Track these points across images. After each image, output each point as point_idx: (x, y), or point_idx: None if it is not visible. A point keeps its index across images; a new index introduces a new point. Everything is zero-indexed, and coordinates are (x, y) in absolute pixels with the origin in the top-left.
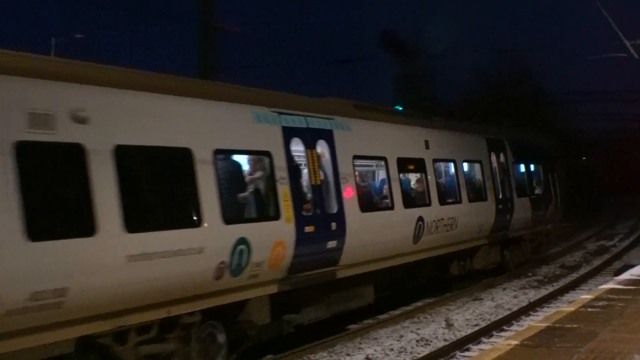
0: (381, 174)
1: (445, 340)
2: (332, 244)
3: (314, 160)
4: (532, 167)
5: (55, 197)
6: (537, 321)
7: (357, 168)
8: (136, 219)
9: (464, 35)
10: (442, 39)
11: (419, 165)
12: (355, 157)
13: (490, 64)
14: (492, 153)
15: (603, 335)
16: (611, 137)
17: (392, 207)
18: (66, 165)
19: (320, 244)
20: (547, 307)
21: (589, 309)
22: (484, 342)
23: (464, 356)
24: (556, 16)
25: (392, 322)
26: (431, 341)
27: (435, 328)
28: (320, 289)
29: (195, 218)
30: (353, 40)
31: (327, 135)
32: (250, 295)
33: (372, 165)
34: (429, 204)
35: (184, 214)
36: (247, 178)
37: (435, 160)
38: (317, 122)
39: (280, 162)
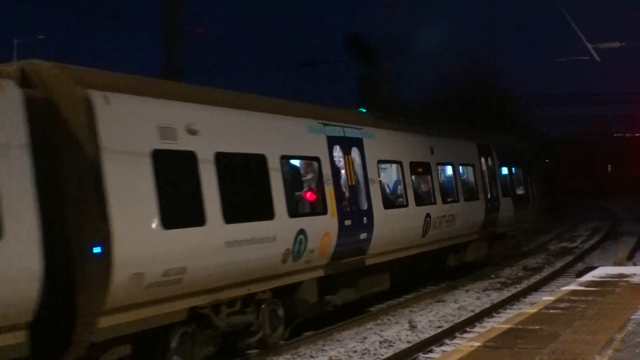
0: (398, 176)
1: (408, 342)
2: (363, 235)
3: (350, 164)
4: (514, 169)
5: (179, 194)
6: (499, 323)
7: (380, 171)
8: (230, 213)
9: (428, 38)
10: (406, 41)
11: (426, 168)
12: (379, 161)
13: (454, 67)
14: (482, 157)
15: (565, 337)
16: (575, 139)
17: (406, 205)
18: (184, 169)
19: (355, 236)
20: (510, 308)
21: (551, 311)
22: (446, 344)
23: (427, 358)
24: (522, 20)
25: (355, 324)
26: (394, 343)
27: (398, 330)
28: (352, 274)
29: (269, 212)
30: (319, 43)
31: (359, 143)
32: (304, 277)
33: (391, 168)
34: (434, 203)
35: (262, 208)
36: (303, 179)
37: (438, 164)
38: (351, 132)
39: (326, 166)
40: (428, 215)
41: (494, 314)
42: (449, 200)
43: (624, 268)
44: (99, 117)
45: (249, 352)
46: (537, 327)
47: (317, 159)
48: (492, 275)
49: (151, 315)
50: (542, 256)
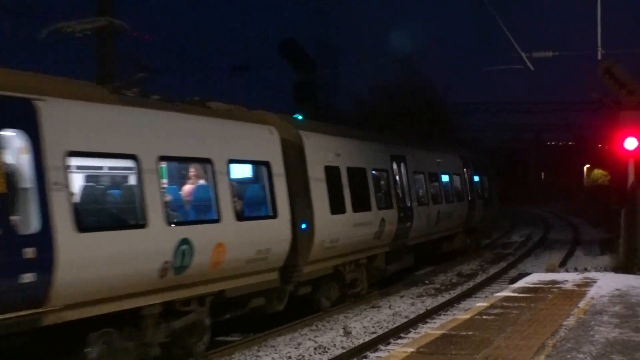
0: (425, 182)
1: (343, 347)
2: (408, 224)
3: (400, 173)
4: (483, 177)
5: (335, 193)
6: (433, 329)
7: (415, 179)
8: (355, 206)
9: (363, 45)
10: (342, 48)
11: (435, 176)
12: (415, 172)
13: (388, 75)
14: (465, 168)
15: (497, 343)
16: (509, 147)
17: (427, 203)
18: (335, 177)
19: (404, 224)
20: (444, 314)
21: (484, 317)
22: (381, 350)
23: None
24: (457, 28)
25: (290, 329)
26: (329, 349)
27: (333, 336)
28: (399, 252)
29: (371, 205)
30: (253, 48)
31: (403, 159)
32: (381, 251)
33: (419, 176)
34: (441, 202)
35: (364, 203)
36: (382, 183)
37: (442, 173)
38: (397, 150)
39: (392, 174)
40: (439, 212)
41: (428, 320)
42: (449, 201)
43: (556, 275)
44: (305, 147)
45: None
46: (470, 333)
47: (386, 170)
48: (427, 281)
49: (321, 268)
50: (477, 262)
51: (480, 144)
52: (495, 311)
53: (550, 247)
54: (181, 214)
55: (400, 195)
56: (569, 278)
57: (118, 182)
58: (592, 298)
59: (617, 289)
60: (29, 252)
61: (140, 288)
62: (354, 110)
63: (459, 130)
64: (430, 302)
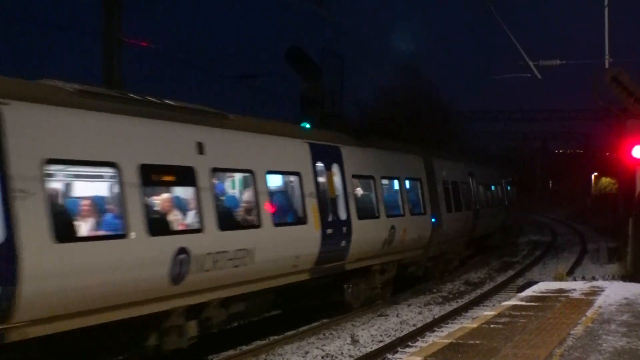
0: (485, 190)
1: (350, 356)
2: (478, 221)
3: (473, 185)
4: (512, 186)
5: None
6: (440, 337)
7: (480, 188)
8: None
9: (371, 53)
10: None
11: (488, 186)
12: (444, 181)
13: (394, 82)
14: (471, 178)
15: (505, 352)
16: (513, 154)
17: (487, 207)
18: (446, 188)
19: (476, 221)
20: (451, 323)
21: (492, 325)
22: (388, 358)
23: None
24: (464, 36)
25: (297, 337)
26: (336, 357)
27: (340, 344)
28: (471, 241)
29: (462, 207)
30: (261, 56)
31: (473, 174)
32: (465, 238)
33: (482, 187)
34: (492, 207)
35: (458, 205)
36: (410, 190)
37: (492, 184)
38: (471, 167)
39: (470, 185)
40: (492, 214)
41: (436, 329)
42: (496, 205)
43: (564, 283)
44: (434, 167)
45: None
46: (477, 341)
47: (419, 179)
48: (434, 290)
49: (438, 249)
50: (484, 271)
51: (487, 152)
52: (503, 320)
53: (558, 256)
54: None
55: (473, 200)
56: (576, 287)
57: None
58: (600, 307)
59: (625, 298)
60: None
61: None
62: (359, 117)
63: (466, 138)
64: (437, 311)
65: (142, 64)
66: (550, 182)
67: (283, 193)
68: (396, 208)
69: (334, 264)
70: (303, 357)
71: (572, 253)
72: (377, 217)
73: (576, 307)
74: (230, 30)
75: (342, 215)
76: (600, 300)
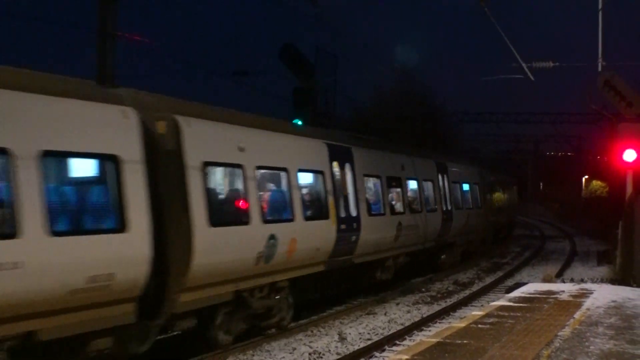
0: (462, 190)
1: (337, 353)
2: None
3: (443, 183)
4: (513, 187)
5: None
6: (428, 336)
7: (454, 186)
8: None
9: (362, 53)
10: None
11: (503, 190)
12: (453, 181)
13: (387, 82)
14: (513, 185)
15: (492, 352)
16: (507, 157)
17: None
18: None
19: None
20: (439, 322)
21: (480, 325)
22: (375, 357)
23: None
24: (458, 38)
25: (285, 335)
26: (324, 354)
27: (328, 341)
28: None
29: (480, 205)
30: (254, 54)
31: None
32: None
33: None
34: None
35: (476, 203)
36: (433, 189)
37: (485, 185)
38: (487, 173)
39: (437, 185)
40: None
41: (424, 328)
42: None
43: (552, 285)
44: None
45: None
46: (465, 341)
47: (432, 181)
48: (423, 289)
49: (462, 238)
50: (473, 271)
51: (479, 154)
52: (491, 320)
53: (547, 258)
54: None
55: (489, 198)
56: (565, 289)
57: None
58: (588, 309)
59: (613, 301)
60: None
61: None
62: (352, 117)
63: (458, 140)
64: (426, 310)
65: (136, 60)
66: (541, 184)
67: (311, 189)
68: (404, 205)
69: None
70: (290, 353)
71: (561, 255)
72: (383, 214)
73: (564, 309)
74: (224, 27)
75: (354, 212)
76: (588, 303)
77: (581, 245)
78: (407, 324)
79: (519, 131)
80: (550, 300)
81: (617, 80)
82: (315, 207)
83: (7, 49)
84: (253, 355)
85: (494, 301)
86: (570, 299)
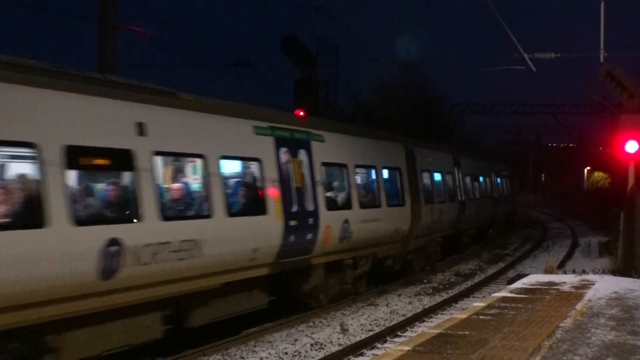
0: (507, 182)
1: (339, 344)
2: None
3: (458, 179)
4: (515, 180)
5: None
6: (430, 327)
7: (465, 178)
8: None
9: (364, 44)
10: (343, 46)
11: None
12: (465, 175)
13: (388, 73)
14: (512, 180)
15: (494, 343)
16: (506, 148)
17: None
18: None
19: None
20: (441, 313)
21: (481, 317)
22: (377, 348)
23: None
24: (459, 29)
25: (286, 326)
26: (325, 345)
27: (330, 332)
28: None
29: (505, 191)
30: (255, 45)
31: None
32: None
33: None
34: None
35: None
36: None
37: (497, 176)
38: (502, 167)
39: (453, 177)
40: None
41: (425, 319)
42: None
43: (554, 276)
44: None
45: (177, 356)
46: (466, 332)
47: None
48: (425, 280)
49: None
50: (475, 263)
51: (480, 145)
52: (492, 311)
53: (548, 249)
54: None
55: (509, 187)
56: (566, 280)
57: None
58: (590, 300)
59: (615, 292)
60: None
61: None
62: (354, 108)
63: (459, 131)
64: (427, 301)
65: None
66: (543, 175)
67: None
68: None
69: None
70: (292, 344)
71: (563, 247)
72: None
73: (566, 300)
74: (225, 18)
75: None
76: (590, 294)
77: (583, 237)
78: (408, 315)
79: (520, 122)
80: (552, 291)
81: (618, 71)
82: None
83: (9, 37)
84: (255, 346)
85: (495, 292)
86: (572, 290)
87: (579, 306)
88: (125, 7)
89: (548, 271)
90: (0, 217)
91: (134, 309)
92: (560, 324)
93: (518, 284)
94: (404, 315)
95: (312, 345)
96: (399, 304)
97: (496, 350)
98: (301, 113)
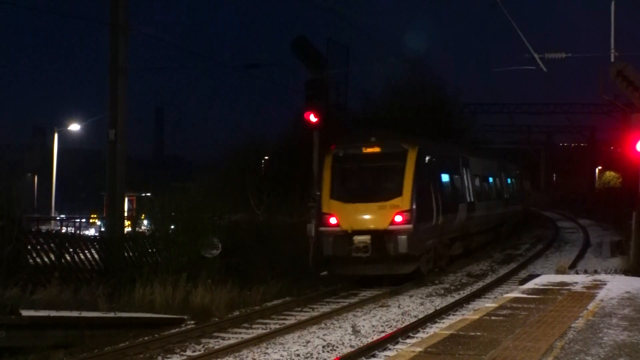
0: (520, 184)
1: (351, 346)
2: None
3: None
4: (526, 181)
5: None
6: (442, 329)
7: (512, 180)
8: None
9: (374, 45)
10: (353, 47)
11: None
12: (509, 175)
13: (399, 73)
14: (522, 178)
15: (506, 344)
16: (520, 148)
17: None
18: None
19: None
20: (453, 314)
21: (493, 318)
22: (389, 349)
23: None
24: (470, 29)
25: (298, 327)
26: (337, 347)
27: (341, 334)
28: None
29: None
30: (267, 47)
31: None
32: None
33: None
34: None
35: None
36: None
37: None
38: (515, 169)
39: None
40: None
41: (437, 320)
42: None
43: (566, 276)
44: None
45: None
46: (478, 333)
47: (520, 176)
48: (436, 281)
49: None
50: (486, 263)
51: (490, 145)
52: (504, 312)
53: (560, 249)
54: None
55: (520, 187)
56: (578, 280)
57: None
58: (602, 300)
59: (627, 292)
60: None
61: None
62: (364, 109)
63: (470, 131)
64: (439, 302)
65: (148, 53)
66: (554, 175)
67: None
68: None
69: None
70: (304, 346)
71: (574, 246)
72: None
73: (578, 300)
74: (236, 21)
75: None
76: (602, 294)
77: (594, 236)
78: (420, 316)
79: (531, 122)
80: (564, 291)
81: (629, 70)
82: None
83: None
84: (267, 347)
85: (507, 293)
86: (584, 290)
87: (591, 306)
88: (135, 9)
89: (560, 271)
90: None
91: None
92: (573, 324)
93: (530, 285)
94: (415, 316)
95: (324, 346)
96: (410, 305)
97: (508, 351)
98: (311, 115)
